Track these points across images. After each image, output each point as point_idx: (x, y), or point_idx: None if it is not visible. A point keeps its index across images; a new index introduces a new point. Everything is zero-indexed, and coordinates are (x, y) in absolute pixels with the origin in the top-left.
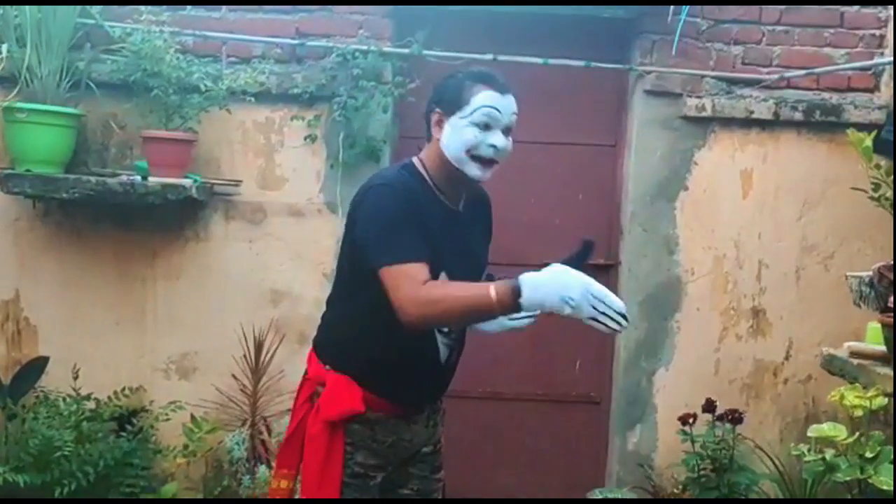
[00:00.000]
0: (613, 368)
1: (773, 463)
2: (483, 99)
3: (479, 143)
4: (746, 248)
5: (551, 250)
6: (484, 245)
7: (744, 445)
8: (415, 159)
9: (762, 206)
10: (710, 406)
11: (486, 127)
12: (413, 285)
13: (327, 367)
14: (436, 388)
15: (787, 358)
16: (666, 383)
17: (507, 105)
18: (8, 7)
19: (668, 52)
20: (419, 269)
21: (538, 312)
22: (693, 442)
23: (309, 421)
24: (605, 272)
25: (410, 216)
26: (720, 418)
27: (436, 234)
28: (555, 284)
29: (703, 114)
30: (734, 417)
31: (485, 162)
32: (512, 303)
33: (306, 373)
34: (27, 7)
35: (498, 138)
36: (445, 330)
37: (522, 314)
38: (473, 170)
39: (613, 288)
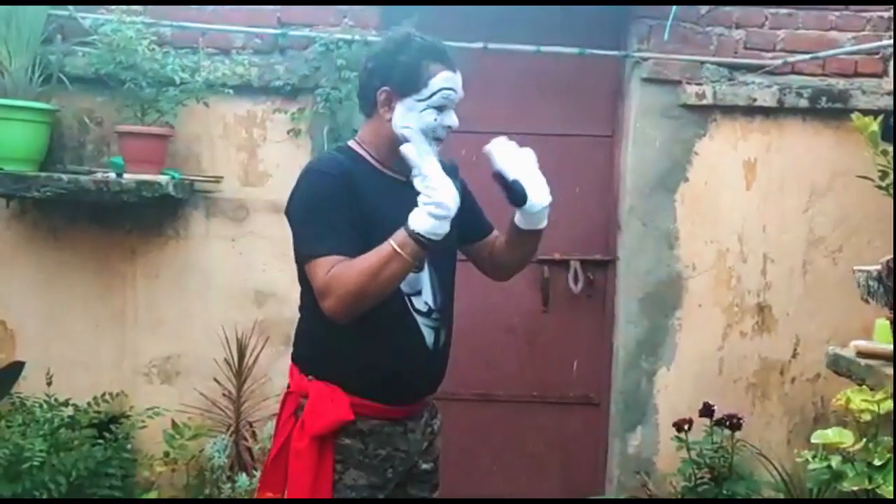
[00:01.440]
0: (612, 368)
1: (777, 470)
2: (441, 81)
3: (437, 126)
4: (750, 242)
5: (549, 246)
6: (466, 209)
7: (746, 451)
8: (351, 142)
9: (766, 197)
10: (707, 410)
11: (442, 109)
12: (322, 271)
13: (310, 376)
14: (429, 377)
15: (794, 356)
16: (667, 384)
17: (459, 83)
18: None
19: (666, 38)
20: (333, 263)
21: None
22: (689, 449)
23: (294, 437)
24: (603, 268)
25: (334, 201)
26: (718, 423)
27: (380, 210)
28: (432, 204)
29: (704, 102)
30: (733, 423)
31: (438, 142)
32: (413, 242)
33: (289, 386)
34: None
35: (452, 118)
36: (424, 309)
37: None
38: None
39: (612, 285)
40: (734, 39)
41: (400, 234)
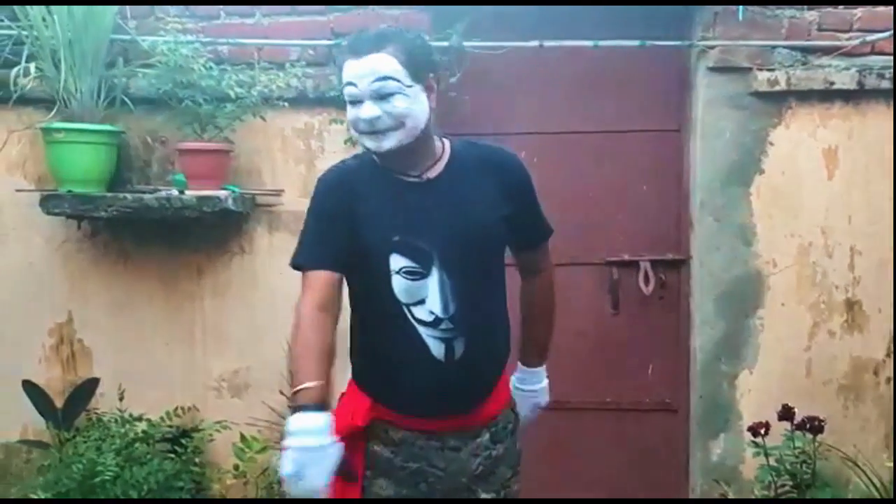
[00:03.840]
0: (690, 372)
1: (868, 477)
2: (345, 74)
3: (356, 120)
4: (835, 235)
5: (617, 246)
6: (493, 208)
7: (835, 457)
8: None
9: (851, 186)
10: (786, 413)
11: (355, 102)
12: (305, 299)
13: (351, 377)
14: (445, 391)
15: (888, 354)
16: (751, 387)
17: (361, 72)
18: (42, 28)
19: (733, 23)
20: (316, 280)
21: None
22: (766, 454)
23: None
24: (675, 268)
25: (324, 210)
26: (799, 427)
27: (374, 210)
28: (297, 443)
29: (777, 88)
30: (814, 426)
31: (368, 133)
32: (293, 410)
33: None
34: (59, 27)
35: (363, 110)
36: (429, 320)
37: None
38: (367, 142)
39: (685, 285)
40: (807, 21)
41: (302, 394)
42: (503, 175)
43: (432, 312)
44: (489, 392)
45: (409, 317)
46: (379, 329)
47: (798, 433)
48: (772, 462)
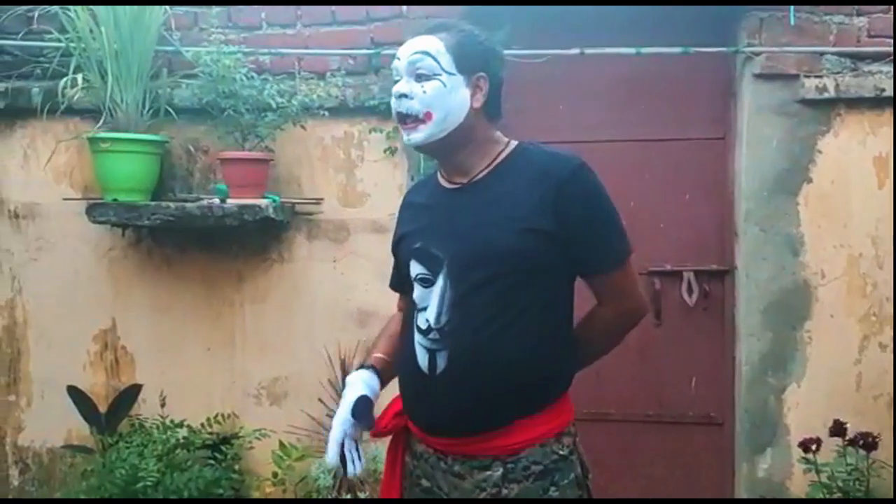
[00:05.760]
0: (735, 385)
1: None
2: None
3: (394, 104)
4: (886, 245)
5: (659, 256)
6: (525, 219)
7: (888, 473)
8: None
9: None
10: (838, 429)
11: (397, 81)
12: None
13: None
14: (424, 403)
15: None
16: (798, 401)
17: (407, 48)
18: (89, 39)
19: (780, 29)
20: (396, 297)
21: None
22: (818, 471)
23: None
24: (720, 278)
25: (395, 235)
26: (852, 443)
27: (415, 220)
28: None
29: (826, 95)
30: (867, 442)
31: (401, 120)
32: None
33: None
34: (106, 39)
35: (398, 85)
36: (423, 327)
37: None
38: (403, 136)
39: (730, 295)
40: (856, 26)
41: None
42: (554, 185)
43: (427, 321)
44: (492, 422)
45: (414, 323)
46: (403, 334)
47: (850, 449)
48: (823, 479)
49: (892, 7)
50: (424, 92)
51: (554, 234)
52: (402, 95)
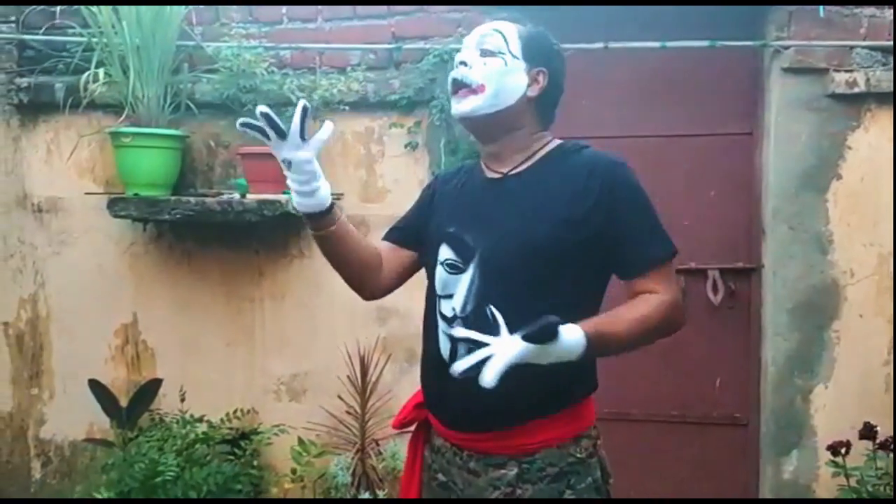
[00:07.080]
0: (761, 386)
1: None
2: None
3: (453, 71)
4: None
5: (684, 254)
6: (562, 217)
7: None
8: None
9: None
10: (869, 432)
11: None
12: None
13: None
14: (442, 393)
15: None
16: (826, 402)
17: (481, 25)
18: (112, 34)
19: (809, 22)
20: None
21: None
22: (847, 475)
23: None
24: (746, 277)
25: (418, 200)
26: (882, 446)
27: (451, 204)
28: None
29: (856, 90)
30: None
31: (455, 86)
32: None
33: None
34: (128, 34)
35: (460, 55)
36: (449, 315)
37: None
38: (452, 105)
39: (756, 294)
40: (887, 20)
41: None
42: (598, 184)
43: (453, 309)
44: (508, 419)
45: (437, 310)
46: (424, 320)
47: (881, 453)
48: (852, 483)
49: None
50: (485, 65)
51: (593, 233)
52: (462, 63)
